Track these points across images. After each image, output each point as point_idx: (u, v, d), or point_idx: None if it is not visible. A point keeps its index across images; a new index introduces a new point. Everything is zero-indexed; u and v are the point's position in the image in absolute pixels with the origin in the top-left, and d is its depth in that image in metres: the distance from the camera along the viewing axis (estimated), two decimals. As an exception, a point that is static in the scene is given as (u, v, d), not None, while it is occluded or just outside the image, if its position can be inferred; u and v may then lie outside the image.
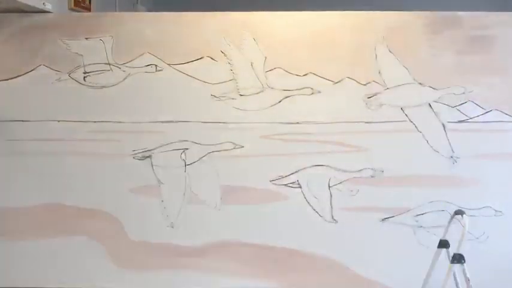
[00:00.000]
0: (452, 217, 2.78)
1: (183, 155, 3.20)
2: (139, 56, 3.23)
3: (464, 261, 2.52)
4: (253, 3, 3.39)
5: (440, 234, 2.85)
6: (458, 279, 2.69)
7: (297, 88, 3.19)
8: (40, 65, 3.25)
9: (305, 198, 3.16)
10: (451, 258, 2.58)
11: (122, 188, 3.20)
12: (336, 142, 3.16)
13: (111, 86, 3.23)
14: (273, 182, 3.17)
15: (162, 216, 3.19)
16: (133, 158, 3.20)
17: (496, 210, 3.12)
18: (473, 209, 3.08)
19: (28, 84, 3.25)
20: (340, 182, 3.15)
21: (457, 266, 2.56)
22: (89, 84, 3.24)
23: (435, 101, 3.15)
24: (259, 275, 3.16)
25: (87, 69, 3.25)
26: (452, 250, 2.65)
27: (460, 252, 2.52)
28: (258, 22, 3.23)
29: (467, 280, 2.54)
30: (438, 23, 3.18)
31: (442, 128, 3.15)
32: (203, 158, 3.19)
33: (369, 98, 3.18)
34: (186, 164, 3.20)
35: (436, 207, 3.11)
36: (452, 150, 3.14)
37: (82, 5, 3.73)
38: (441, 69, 3.16)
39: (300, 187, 3.16)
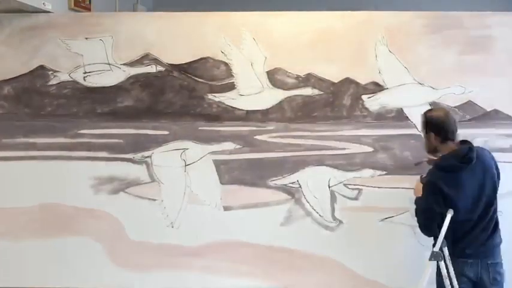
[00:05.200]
0: None
1: (183, 155, 3.20)
2: (140, 56, 3.23)
3: (442, 259, 2.54)
4: (253, 3, 3.39)
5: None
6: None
7: (297, 88, 3.19)
8: (40, 65, 3.25)
9: (305, 198, 3.16)
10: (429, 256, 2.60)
11: (121, 188, 3.20)
12: (336, 142, 3.16)
13: (111, 86, 3.24)
14: (273, 182, 3.18)
15: (162, 216, 3.19)
16: (134, 158, 3.21)
17: (496, 210, 3.11)
18: (473, 209, 3.08)
19: (28, 84, 3.25)
20: (340, 182, 3.16)
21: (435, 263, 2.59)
22: (89, 84, 3.25)
23: (435, 101, 3.15)
24: (259, 275, 3.16)
25: (87, 69, 3.25)
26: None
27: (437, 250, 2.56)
28: (258, 22, 3.23)
29: (445, 277, 2.56)
30: (438, 23, 3.17)
31: (442, 128, 3.14)
32: (203, 158, 3.19)
33: (369, 98, 3.18)
34: (186, 164, 3.20)
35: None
36: (452, 150, 3.13)
37: (82, 5, 3.74)
38: (441, 69, 3.15)
39: (300, 187, 3.17)
